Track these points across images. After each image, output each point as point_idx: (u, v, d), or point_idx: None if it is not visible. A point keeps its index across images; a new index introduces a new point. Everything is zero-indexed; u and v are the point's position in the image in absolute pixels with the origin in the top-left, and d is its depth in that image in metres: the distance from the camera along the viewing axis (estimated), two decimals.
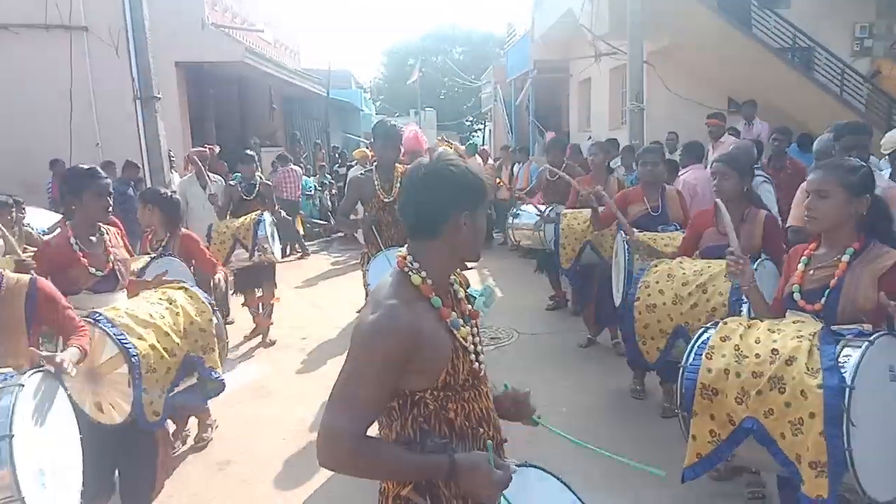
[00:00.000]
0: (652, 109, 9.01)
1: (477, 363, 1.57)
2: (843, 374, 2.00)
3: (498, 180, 10.89)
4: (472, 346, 1.57)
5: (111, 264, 3.01)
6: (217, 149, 7.59)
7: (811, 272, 2.33)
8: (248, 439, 4.08)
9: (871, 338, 2.05)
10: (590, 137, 9.49)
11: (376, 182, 4.28)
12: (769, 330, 2.24)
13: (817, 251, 2.37)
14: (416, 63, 32.88)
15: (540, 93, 17.01)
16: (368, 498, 1.67)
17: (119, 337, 2.69)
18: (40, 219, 6.13)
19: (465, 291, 1.71)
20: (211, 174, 6.73)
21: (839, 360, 2.04)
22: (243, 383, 4.98)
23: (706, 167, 6.92)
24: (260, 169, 7.70)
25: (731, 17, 9.00)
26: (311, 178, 13.01)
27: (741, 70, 9.32)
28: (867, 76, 9.26)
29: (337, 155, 15.28)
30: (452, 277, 1.63)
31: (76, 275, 2.90)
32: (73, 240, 2.93)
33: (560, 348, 5.60)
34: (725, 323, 2.37)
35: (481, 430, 1.56)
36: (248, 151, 6.51)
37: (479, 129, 37.37)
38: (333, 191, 12.94)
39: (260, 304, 6.07)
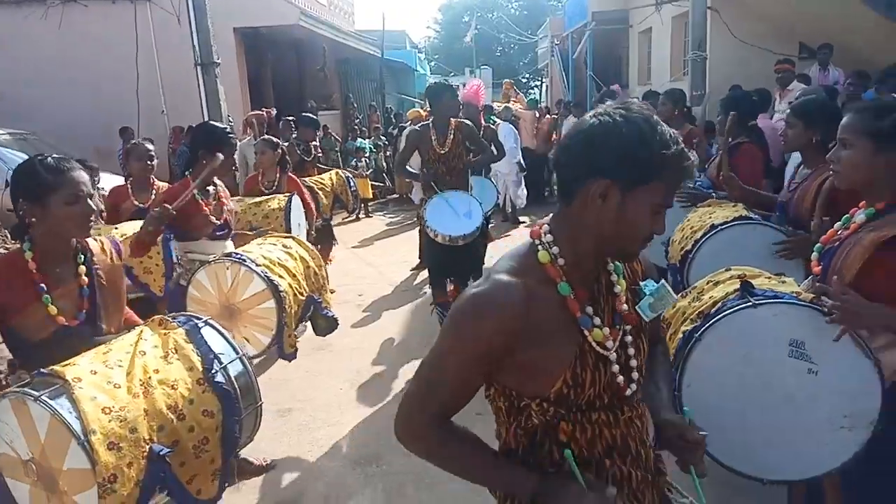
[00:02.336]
0: (715, 58, 8.59)
1: (623, 379, 1.22)
2: (703, 329, 1.86)
3: (554, 136, 10.75)
4: (617, 356, 1.22)
5: (225, 214, 3.30)
6: (274, 112, 7.76)
7: (840, 232, 2.00)
8: (308, 389, 4.29)
9: (756, 300, 1.84)
10: (647, 90, 9.16)
11: (432, 135, 4.46)
12: (736, 278, 2.09)
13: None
14: (471, 20, 32.31)
15: (598, 45, 16.43)
16: None
17: (266, 274, 2.94)
18: (113, 184, 6.47)
19: (628, 284, 1.30)
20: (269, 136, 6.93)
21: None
22: (303, 335, 5.20)
23: (771, 117, 6.63)
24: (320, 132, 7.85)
25: None
26: (367, 140, 13.13)
27: (815, 11, 8.73)
28: None
29: (392, 117, 15.32)
30: (614, 264, 1.27)
31: (199, 222, 3.17)
32: (196, 190, 3.12)
33: None
34: (728, 269, 2.23)
35: (608, 461, 1.23)
36: (312, 115, 6.82)
37: (536, 86, 36.58)
38: (388, 152, 13.05)
39: None
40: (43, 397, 1.63)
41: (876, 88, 6.69)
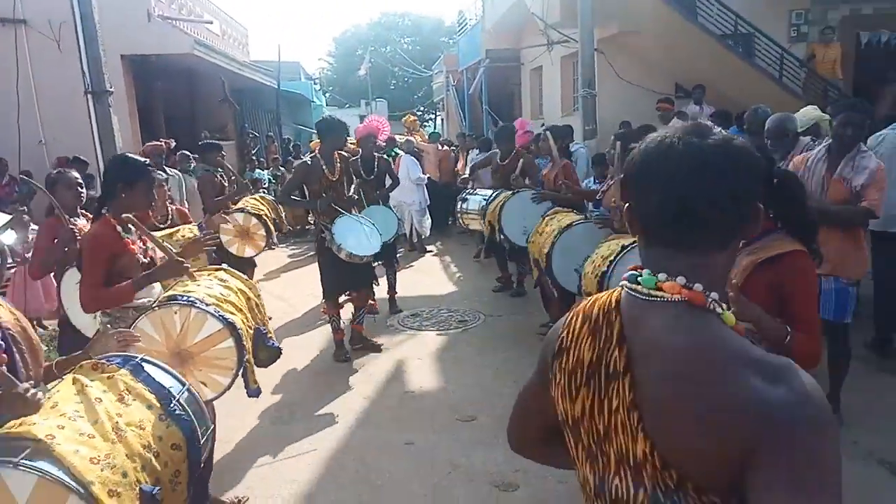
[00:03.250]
0: (603, 96, 9.23)
1: None
2: None
3: (459, 166, 11.06)
4: None
5: (150, 252, 3.00)
6: (173, 143, 7.45)
7: None
8: (228, 430, 4.09)
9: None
10: (542, 125, 9.69)
11: (323, 165, 4.96)
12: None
13: None
14: (364, 53, 32.63)
15: (492, 81, 17.15)
16: None
17: (220, 313, 2.78)
18: None
19: None
20: (168, 168, 6.63)
21: None
22: None
23: None
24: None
25: (676, 5, 9.29)
26: (266, 171, 12.84)
27: (686, 56, 9.65)
28: (803, 60, 9.71)
29: (291, 147, 15.11)
30: None
31: (126, 263, 2.84)
32: (119, 229, 2.86)
33: (524, 329, 5.76)
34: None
35: None
36: (211, 141, 6.73)
37: (431, 119, 37.36)
38: None
39: None
40: (22, 462, 1.51)
41: (741, 129, 7.51)
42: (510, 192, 6.03)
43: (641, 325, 1.00)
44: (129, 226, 2.93)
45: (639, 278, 1.02)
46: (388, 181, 6.47)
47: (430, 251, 9.76)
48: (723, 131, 1.02)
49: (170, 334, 2.77)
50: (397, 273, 6.71)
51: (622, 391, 0.99)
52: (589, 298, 1.13)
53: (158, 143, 6.84)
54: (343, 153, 5.17)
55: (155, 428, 1.85)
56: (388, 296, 6.54)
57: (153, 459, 1.78)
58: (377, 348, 5.43)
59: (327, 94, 37.36)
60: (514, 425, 1.33)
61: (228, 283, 3.12)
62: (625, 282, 1.06)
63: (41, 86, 9.42)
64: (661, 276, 0.99)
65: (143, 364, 2.03)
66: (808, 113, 4.78)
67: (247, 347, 2.89)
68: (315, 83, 28.93)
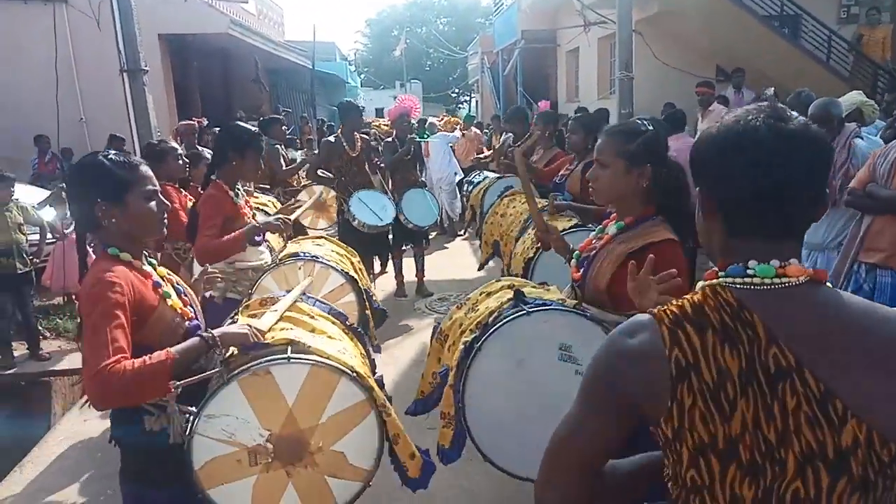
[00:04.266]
0: (640, 78, 8.99)
1: None
2: (483, 339, 1.97)
3: (487, 149, 10.95)
4: None
5: (255, 218, 3.11)
6: (205, 122, 7.54)
7: (594, 241, 2.13)
8: None
9: (529, 308, 1.97)
10: (577, 108, 9.52)
11: (344, 143, 5.54)
12: (508, 288, 2.22)
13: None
14: (400, 34, 32.52)
15: (528, 63, 16.91)
16: None
17: (340, 268, 2.91)
18: (27, 195, 6.08)
19: None
20: (200, 147, 6.70)
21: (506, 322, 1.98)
22: None
23: (694, 136, 7.01)
24: None
25: None
26: (299, 152, 12.91)
27: (729, 38, 9.34)
28: (852, 43, 9.32)
29: (325, 128, 15.15)
30: None
31: (239, 227, 2.94)
32: (231, 193, 2.96)
33: None
34: (498, 280, 2.44)
35: None
36: (274, 115, 7.16)
37: (466, 101, 37.15)
38: None
39: None
40: (293, 357, 1.72)
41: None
42: (495, 177, 5.94)
43: (785, 313, 0.95)
44: (238, 192, 3.03)
45: (748, 270, 0.98)
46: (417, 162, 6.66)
47: (461, 235, 9.71)
48: (797, 115, 1.00)
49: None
50: (425, 256, 6.70)
51: (802, 387, 0.93)
52: (664, 307, 1.01)
53: (191, 121, 6.92)
54: (364, 135, 5.76)
55: (348, 337, 2.09)
56: (416, 279, 6.53)
57: (360, 358, 2.00)
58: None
59: (362, 76, 37.43)
60: (561, 481, 1.06)
61: (333, 248, 3.22)
62: (727, 279, 1.00)
63: (81, 64, 9.65)
64: (774, 262, 0.97)
65: (303, 297, 2.23)
66: (851, 98, 4.57)
67: (367, 304, 2.99)
68: (350, 64, 28.99)
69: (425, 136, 10.32)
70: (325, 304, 2.34)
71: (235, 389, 1.67)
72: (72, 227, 4.57)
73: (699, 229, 1.12)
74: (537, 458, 1.08)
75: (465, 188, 7.13)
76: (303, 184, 6.17)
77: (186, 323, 1.80)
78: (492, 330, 1.98)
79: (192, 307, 1.90)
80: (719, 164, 1.00)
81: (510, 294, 2.11)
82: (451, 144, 9.59)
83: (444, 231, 9.68)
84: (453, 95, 39.04)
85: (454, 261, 8.19)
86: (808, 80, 7.50)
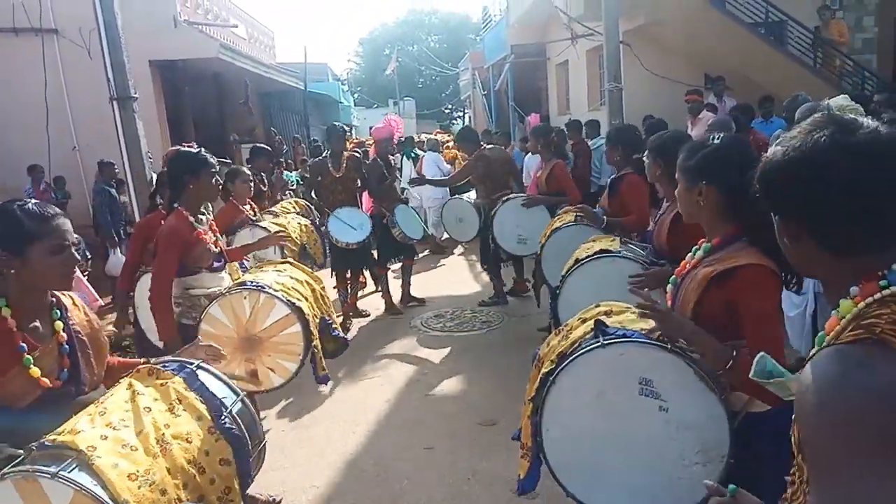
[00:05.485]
0: (630, 89, 9.04)
1: None
2: (557, 371, 1.91)
3: None
4: None
5: (218, 242, 3.12)
6: (195, 146, 7.54)
7: (688, 265, 2.00)
8: None
9: (604, 340, 1.87)
10: (568, 120, 9.56)
11: (330, 164, 5.99)
12: (603, 314, 2.10)
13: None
14: (392, 52, 32.72)
15: (518, 77, 17.00)
16: None
17: (288, 298, 2.87)
18: None
19: None
20: None
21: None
22: None
23: None
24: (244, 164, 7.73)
25: None
26: (293, 173, 12.93)
27: (716, 46, 9.39)
28: (829, 42, 9.40)
29: (322, 145, 15.19)
30: None
31: (200, 253, 2.96)
32: (192, 220, 2.96)
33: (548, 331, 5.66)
34: (597, 305, 2.23)
35: None
36: (264, 146, 7.20)
37: (459, 117, 37.32)
38: None
39: None
40: (61, 473, 1.46)
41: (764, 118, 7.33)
42: (503, 201, 5.55)
43: None
44: (200, 216, 3.04)
45: None
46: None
47: (457, 251, 9.70)
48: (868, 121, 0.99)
49: (240, 320, 2.88)
50: (412, 273, 6.83)
51: None
52: (874, 327, 0.91)
53: (181, 146, 6.92)
54: (355, 155, 6.28)
55: (203, 442, 1.76)
56: (401, 290, 6.75)
57: (197, 476, 1.69)
58: (366, 314, 6.51)
59: (355, 95, 37.61)
60: None
61: (294, 274, 3.20)
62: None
63: (73, 93, 9.67)
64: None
65: (198, 371, 1.96)
66: (836, 102, 4.59)
67: (315, 334, 2.96)
68: (342, 84, 29.12)
69: (412, 154, 10.40)
70: (206, 389, 1.92)
71: (9, 488, 1.50)
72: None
73: (787, 254, 1.09)
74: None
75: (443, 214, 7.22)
76: (281, 205, 6.10)
77: (38, 392, 1.74)
78: (566, 362, 1.91)
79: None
80: (798, 188, 0.98)
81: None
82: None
83: (434, 250, 9.64)
84: (447, 111, 39.23)
85: (449, 277, 8.17)
86: (795, 85, 7.54)
